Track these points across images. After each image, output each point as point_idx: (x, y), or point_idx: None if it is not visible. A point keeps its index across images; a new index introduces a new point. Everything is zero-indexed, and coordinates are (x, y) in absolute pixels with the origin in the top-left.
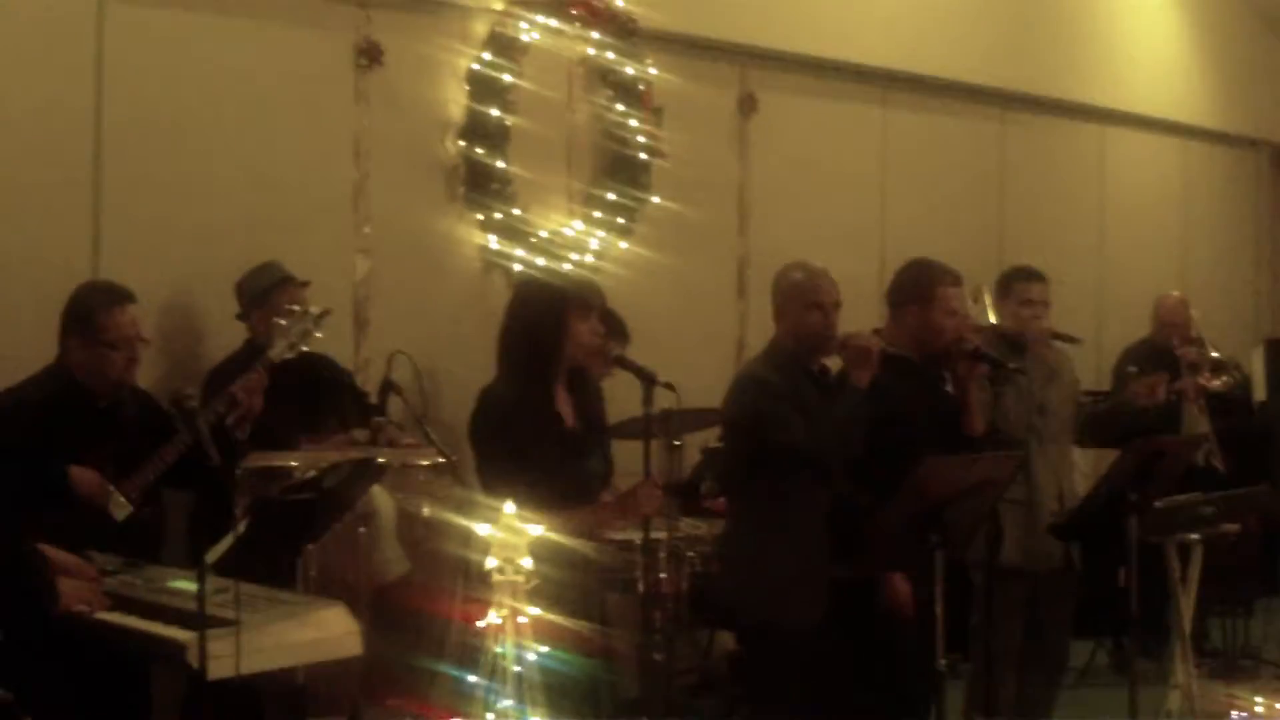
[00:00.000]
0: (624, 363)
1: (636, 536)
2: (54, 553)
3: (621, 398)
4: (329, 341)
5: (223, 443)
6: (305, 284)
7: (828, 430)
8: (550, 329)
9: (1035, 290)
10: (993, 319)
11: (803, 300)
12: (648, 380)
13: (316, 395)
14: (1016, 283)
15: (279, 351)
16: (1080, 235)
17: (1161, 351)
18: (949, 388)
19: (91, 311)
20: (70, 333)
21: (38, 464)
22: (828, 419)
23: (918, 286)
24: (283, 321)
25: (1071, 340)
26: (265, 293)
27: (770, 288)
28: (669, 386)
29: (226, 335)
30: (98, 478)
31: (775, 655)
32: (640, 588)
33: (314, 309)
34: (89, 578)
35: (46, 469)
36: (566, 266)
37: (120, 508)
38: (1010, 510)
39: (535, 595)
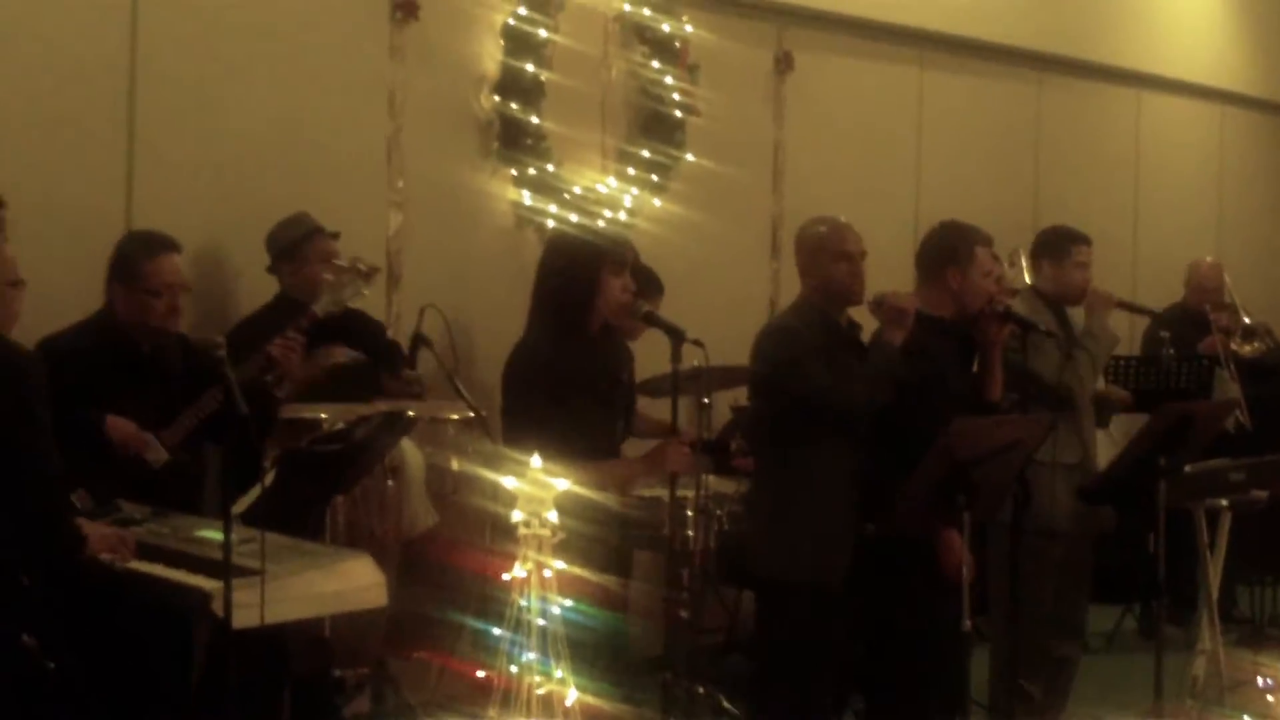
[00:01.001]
0: (653, 319)
1: (664, 493)
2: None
3: (651, 354)
4: None
5: (262, 401)
6: (335, 235)
7: (858, 380)
8: (582, 283)
9: (1086, 253)
10: (1028, 281)
11: (829, 251)
12: (676, 337)
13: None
14: (1072, 245)
15: (324, 306)
16: (1115, 199)
17: (1194, 316)
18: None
19: (134, 259)
20: (114, 280)
21: (77, 410)
22: (857, 370)
23: (955, 248)
24: (330, 276)
25: (1144, 311)
26: (295, 244)
27: (794, 243)
28: (697, 343)
29: (258, 286)
30: (134, 426)
31: (795, 614)
32: (668, 545)
33: (362, 265)
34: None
35: (85, 415)
36: (599, 223)
37: (157, 455)
38: (1063, 474)
39: (561, 549)
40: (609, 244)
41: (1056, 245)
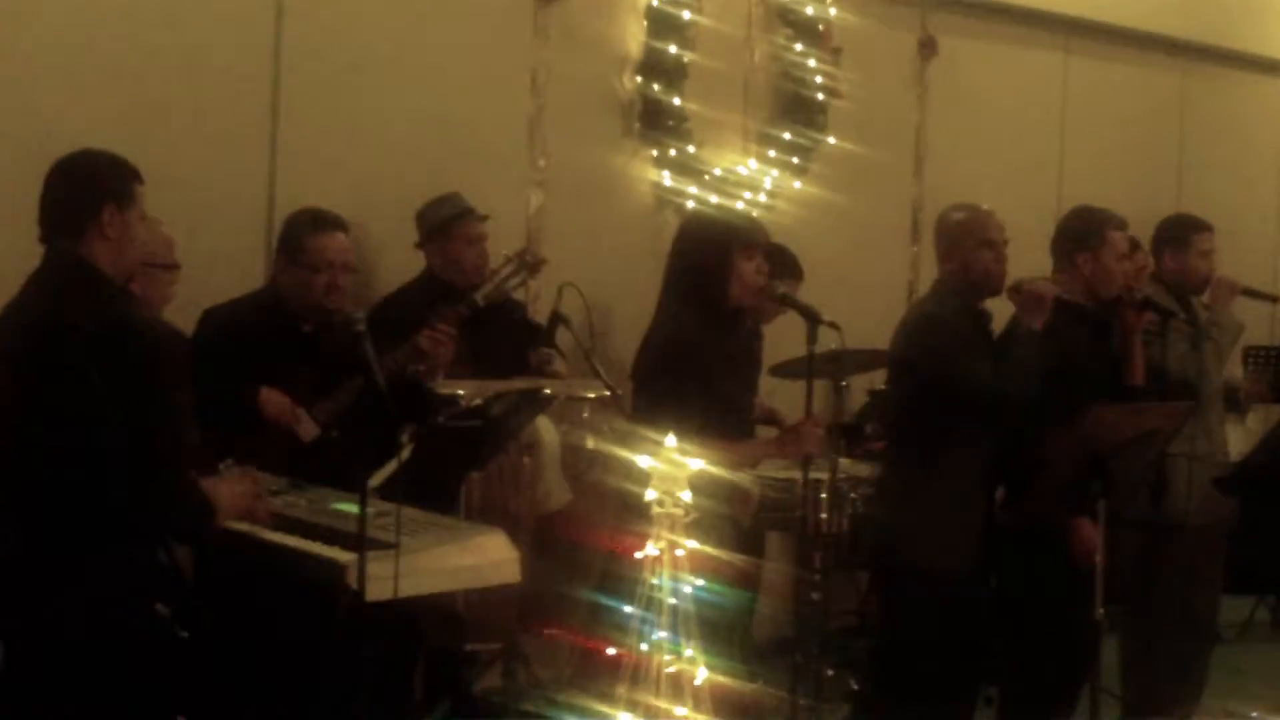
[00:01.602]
0: (789, 300)
1: (798, 475)
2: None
3: (787, 337)
4: None
5: (412, 391)
6: (485, 218)
7: (1008, 370)
8: (714, 265)
9: (1209, 240)
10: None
11: (974, 238)
12: (812, 319)
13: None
14: (1192, 233)
15: (487, 294)
16: (1259, 188)
17: None
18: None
19: (299, 235)
20: (280, 255)
21: (234, 381)
22: (1004, 361)
23: (1088, 232)
24: (496, 265)
25: (1269, 298)
26: (445, 223)
27: (934, 229)
28: (833, 326)
29: (400, 266)
30: (287, 400)
31: (920, 600)
32: (800, 527)
33: (529, 256)
34: (253, 491)
35: (240, 387)
36: (739, 205)
37: (308, 430)
38: (1189, 465)
39: (694, 528)
40: (740, 226)
41: (1178, 233)
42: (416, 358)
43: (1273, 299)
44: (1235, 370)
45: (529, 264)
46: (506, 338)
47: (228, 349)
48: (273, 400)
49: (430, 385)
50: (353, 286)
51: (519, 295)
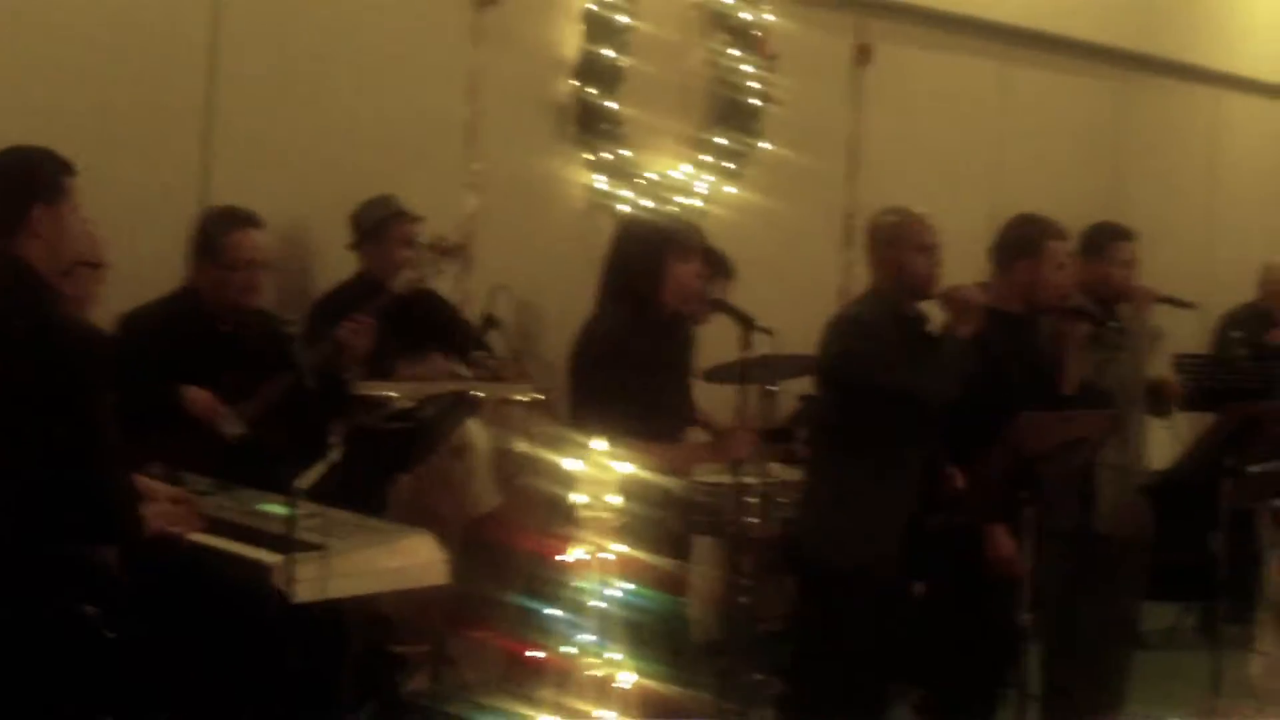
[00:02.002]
0: (722, 305)
1: (727, 479)
2: (144, 481)
3: (719, 340)
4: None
5: (330, 385)
6: (419, 219)
7: (929, 373)
8: (650, 269)
9: (1129, 250)
10: None
11: (908, 243)
12: (745, 323)
13: (424, 327)
14: (1111, 242)
15: (403, 283)
16: (1192, 198)
17: (1264, 316)
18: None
19: (214, 234)
20: (196, 255)
21: (155, 383)
22: (929, 363)
23: (1028, 241)
24: (411, 253)
25: (1186, 305)
26: (379, 225)
27: (866, 233)
28: (766, 331)
29: (335, 266)
30: (210, 398)
31: (842, 602)
32: (729, 532)
33: (444, 243)
34: (180, 501)
35: (162, 387)
36: (673, 209)
37: (232, 428)
38: (1105, 474)
39: (622, 532)
40: (677, 230)
41: (1093, 241)
42: (336, 350)
43: (1189, 306)
44: (1169, 377)
45: (446, 251)
46: (434, 333)
47: (148, 351)
48: (197, 399)
49: (350, 377)
50: (279, 285)
51: (450, 294)
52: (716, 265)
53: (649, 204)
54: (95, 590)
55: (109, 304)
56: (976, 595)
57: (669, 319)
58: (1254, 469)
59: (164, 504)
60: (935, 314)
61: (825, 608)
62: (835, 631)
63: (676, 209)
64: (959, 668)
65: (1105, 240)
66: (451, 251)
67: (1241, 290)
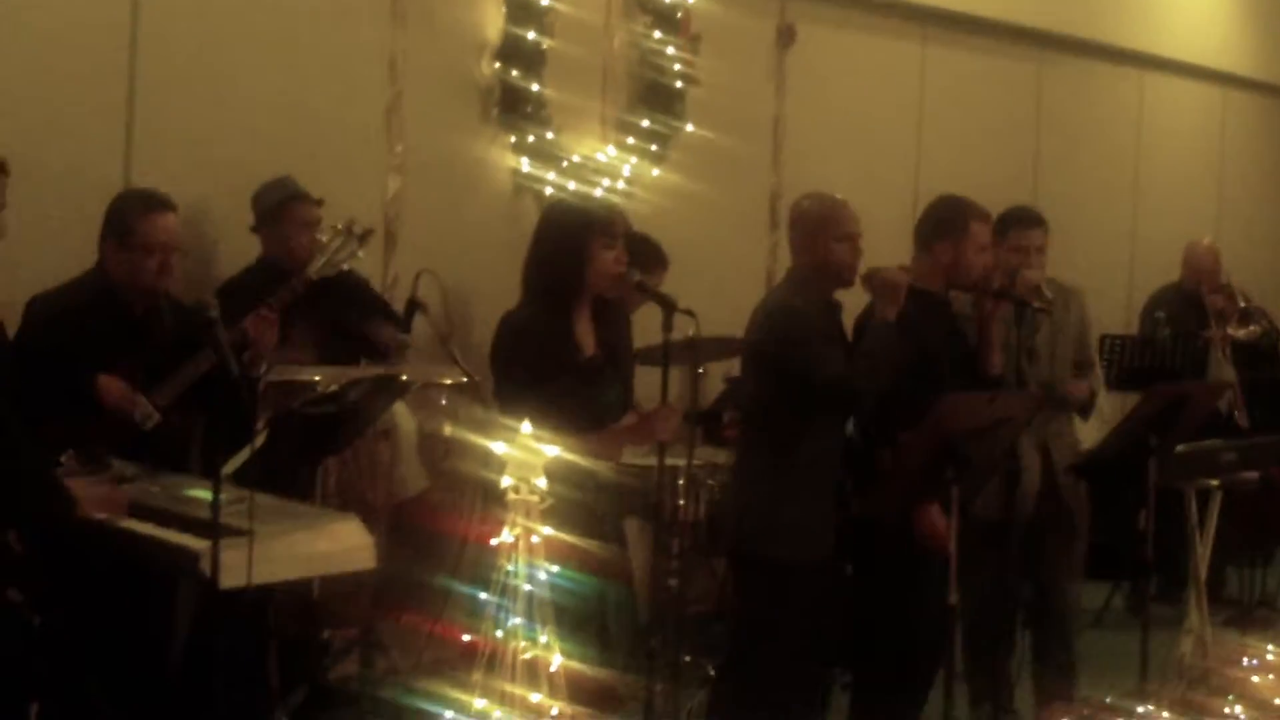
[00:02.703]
0: (644, 288)
1: (654, 462)
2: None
3: (647, 324)
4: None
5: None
6: (319, 201)
7: (860, 365)
8: (572, 255)
9: (1033, 237)
10: None
11: (832, 232)
12: (667, 307)
13: (345, 312)
14: (1013, 228)
15: (318, 268)
16: (1115, 179)
17: (1189, 298)
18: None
19: (128, 217)
20: (108, 238)
21: (67, 369)
22: (858, 353)
23: (950, 222)
24: (324, 238)
25: (1041, 310)
26: (277, 207)
27: (789, 219)
28: (689, 313)
29: (245, 248)
30: (124, 386)
31: (771, 588)
32: (657, 514)
33: (356, 227)
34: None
35: (75, 375)
36: (598, 192)
37: (147, 416)
38: (1029, 455)
39: (549, 515)
40: (600, 215)
41: (999, 226)
42: (242, 343)
43: (1042, 310)
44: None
45: (357, 235)
46: (350, 309)
47: (59, 336)
48: (109, 386)
49: (255, 373)
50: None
51: (360, 270)
52: (650, 254)
53: (574, 187)
54: (19, 576)
55: (33, 288)
56: (904, 577)
57: (600, 305)
58: (1181, 448)
59: (93, 488)
60: (854, 298)
61: (764, 598)
62: (773, 620)
63: (601, 191)
64: (888, 650)
65: (1008, 226)
66: (363, 236)
67: (1166, 269)
